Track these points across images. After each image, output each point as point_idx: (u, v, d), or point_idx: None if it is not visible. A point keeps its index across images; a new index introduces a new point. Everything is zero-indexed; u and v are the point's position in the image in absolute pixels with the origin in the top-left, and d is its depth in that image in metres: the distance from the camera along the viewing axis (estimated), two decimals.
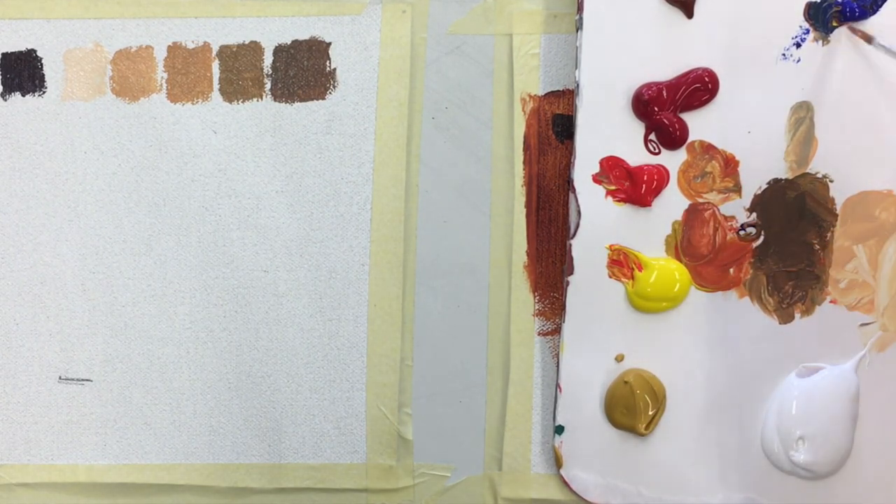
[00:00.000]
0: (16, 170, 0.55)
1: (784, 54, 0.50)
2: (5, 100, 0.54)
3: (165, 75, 0.54)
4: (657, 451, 0.52)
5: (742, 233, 0.51)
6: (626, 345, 0.52)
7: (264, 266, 0.55)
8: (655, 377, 0.52)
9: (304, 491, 0.55)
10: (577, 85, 0.51)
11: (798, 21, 0.50)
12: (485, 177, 0.54)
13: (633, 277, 0.51)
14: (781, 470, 0.52)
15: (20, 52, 0.54)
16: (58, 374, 0.55)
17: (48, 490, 0.56)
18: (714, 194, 0.51)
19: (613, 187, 0.51)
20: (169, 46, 0.54)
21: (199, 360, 0.55)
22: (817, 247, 0.51)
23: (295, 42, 0.54)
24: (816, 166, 0.51)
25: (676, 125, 0.50)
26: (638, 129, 0.51)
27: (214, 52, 0.54)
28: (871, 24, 0.49)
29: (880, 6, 0.49)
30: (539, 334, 0.54)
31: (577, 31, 0.51)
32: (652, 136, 0.51)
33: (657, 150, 0.51)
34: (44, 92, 0.54)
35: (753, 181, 0.51)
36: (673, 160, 0.51)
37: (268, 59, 0.54)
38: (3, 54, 0.54)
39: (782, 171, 0.51)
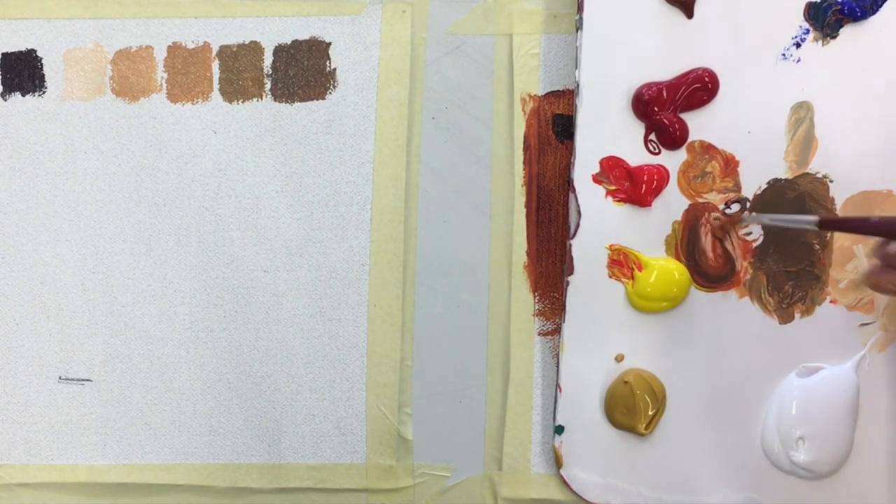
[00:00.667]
0: (16, 170, 0.55)
1: (784, 54, 0.50)
2: (5, 100, 0.54)
3: (165, 75, 0.54)
4: (657, 451, 0.52)
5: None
6: (626, 345, 0.52)
7: (264, 266, 0.55)
8: (655, 377, 0.52)
9: (304, 491, 0.55)
10: (577, 85, 0.51)
11: (798, 21, 0.50)
12: (485, 177, 0.54)
13: (633, 277, 0.51)
14: (781, 470, 0.52)
15: (20, 52, 0.54)
16: (58, 374, 0.55)
17: (48, 490, 0.56)
18: (714, 194, 0.51)
19: (613, 187, 0.51)
20: (169, 46, 0.54)
21: (199, 360, 0.55)
22: (817, 247, 0.51)
23: (295, 42, 0.54)
24: (816, 166, 0.51)
25: (676, 125, 0.50)
26: (638, 129, 0.51)
27: (214, 52, 0.54)
28: (871, 24, 0.49)
29: (880, 6, 0.49)
30: (539, 334, 0.54)
31: (577, 31, 0.51)
32: (652, 136, 0.51)
33: (657, 150, 0.51)
34: (44, 92, 0.54)
35: (753, 181, 0.51)
36: (673, 160, 0.51)
37: (268, 59, 0.54)
38: (3, 54, 0.54)
39: (782, 171, 0.51)
